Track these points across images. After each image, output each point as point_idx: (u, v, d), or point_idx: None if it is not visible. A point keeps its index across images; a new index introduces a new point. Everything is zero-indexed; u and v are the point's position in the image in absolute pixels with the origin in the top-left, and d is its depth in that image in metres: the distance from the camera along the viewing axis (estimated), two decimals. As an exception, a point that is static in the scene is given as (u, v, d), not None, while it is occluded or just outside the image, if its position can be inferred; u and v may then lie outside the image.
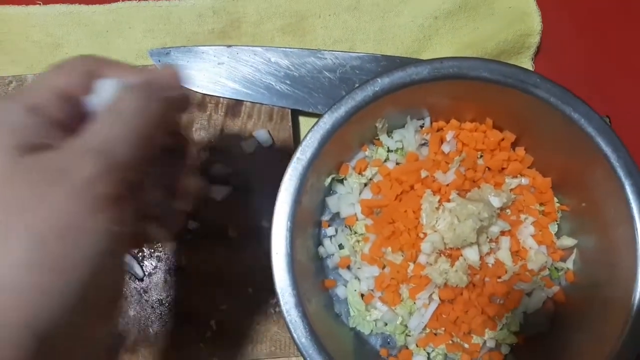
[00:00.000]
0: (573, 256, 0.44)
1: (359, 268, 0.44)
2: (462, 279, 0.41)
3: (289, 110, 0.49)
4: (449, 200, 0.43)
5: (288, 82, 0.49)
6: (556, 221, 0.45)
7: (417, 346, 0.44)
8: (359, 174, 0.46)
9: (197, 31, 0.52)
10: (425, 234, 0.43)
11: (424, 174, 0.44)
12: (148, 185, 0.31)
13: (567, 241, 0.44)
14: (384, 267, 0.44)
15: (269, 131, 0.49)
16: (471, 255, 0.42)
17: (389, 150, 0.46)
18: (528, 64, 0.53)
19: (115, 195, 0.24)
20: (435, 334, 0.43)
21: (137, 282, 0.47)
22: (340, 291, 0.45)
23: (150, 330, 0.46)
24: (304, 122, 0.52)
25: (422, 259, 0.42)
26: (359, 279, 0.45)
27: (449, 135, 0.45)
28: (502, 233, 0.44)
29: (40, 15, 0.52)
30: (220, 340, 0.46)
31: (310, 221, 0.44)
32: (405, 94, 0.41)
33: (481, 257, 0.42)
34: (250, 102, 0.49)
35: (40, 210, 0.23)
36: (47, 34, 0.52)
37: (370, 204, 0.44)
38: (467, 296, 0.42)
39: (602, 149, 0.39)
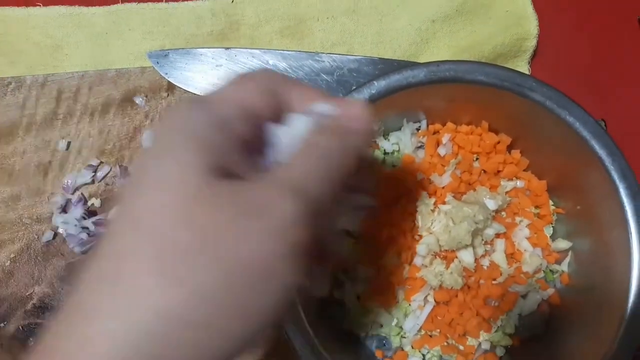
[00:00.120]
0: (568, 259, 0.44)
1: (354, 269, 0.45)
2: (457, 281, 0.41)
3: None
4: (444, 203, 0.43)
5: (286, 84, 0.49)
6: (551, 224, 0.45)
7: (412, 348, 0.44)
8: (356, 176, 0.46)
9: (195, 33, 0.52)
10: (420, 236, 0.43)
11: (419, 176, 0.44)
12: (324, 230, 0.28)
13: (562, 244, 0.44)
14: (379, 269, 0.44)
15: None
16: (466, 257, 0.42)
17: (385, 153, 0.46)
18: (524, 68, 0.53)
19: (310, 242, 0.22)
20: (431, 336, 0.44)
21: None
22: (335, 292, 0.45)
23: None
24: (302, 124, 0.52)
25: (417, 261, 0.43)
26: (354, 281, 0.45)
27: (445, 138, 0.45)
28: (497, 235, 0.44)
29: (40, 16, 0.52)
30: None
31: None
32: (401, 96, 0.41)
33: (476, 260, 0.42)
34: (248, 104, 0.50)
35: (237, 245, 0.20)
36: (47, 36, 0.52)
37: (366, 205, 0.45)
38: (462, 298, 0.42)
39: (597, 152, 0.39)
